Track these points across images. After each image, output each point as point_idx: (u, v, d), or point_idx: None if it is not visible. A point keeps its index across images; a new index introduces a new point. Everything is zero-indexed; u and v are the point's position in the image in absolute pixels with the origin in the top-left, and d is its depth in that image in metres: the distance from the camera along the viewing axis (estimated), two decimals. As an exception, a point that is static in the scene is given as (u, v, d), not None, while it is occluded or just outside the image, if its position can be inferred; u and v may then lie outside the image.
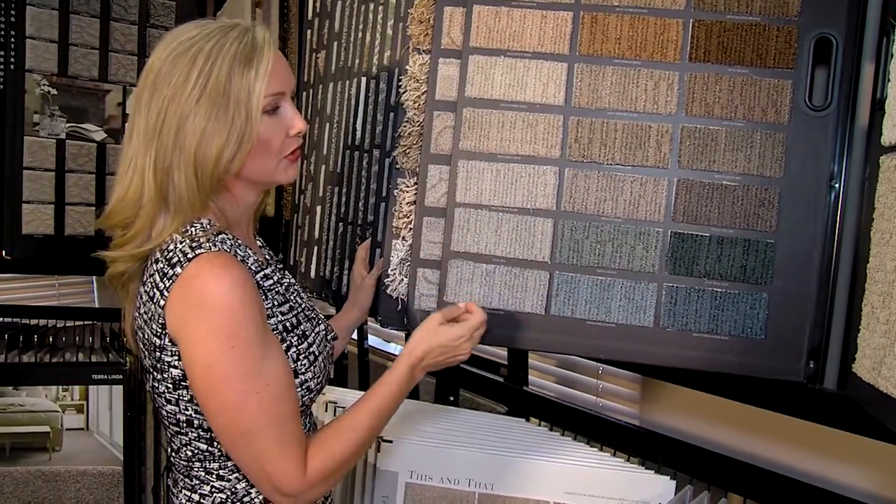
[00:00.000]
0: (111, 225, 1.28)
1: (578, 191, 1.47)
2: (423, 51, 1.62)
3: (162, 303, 1.20)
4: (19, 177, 2.56)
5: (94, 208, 2.68)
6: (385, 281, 1.64)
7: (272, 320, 1.26)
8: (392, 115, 1.73)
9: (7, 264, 2.63)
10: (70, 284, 3.49)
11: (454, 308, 1.45)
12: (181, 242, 1.21)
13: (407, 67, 1.64)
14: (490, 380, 2.20)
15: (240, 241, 1.29)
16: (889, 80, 1.19)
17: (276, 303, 1.29)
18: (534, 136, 1.49)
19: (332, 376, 1.47)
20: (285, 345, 1.27)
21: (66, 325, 2.87)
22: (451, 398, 2.25)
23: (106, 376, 2.52)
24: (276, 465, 1.21)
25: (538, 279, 1.49)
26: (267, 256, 1.48)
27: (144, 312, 1.25)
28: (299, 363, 1.29)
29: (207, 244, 1.21)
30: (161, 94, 1.22)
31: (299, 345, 1.30)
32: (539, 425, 2.00)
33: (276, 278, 1.33)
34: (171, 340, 1.21)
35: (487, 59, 1.52)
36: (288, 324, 1.30)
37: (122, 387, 2.52)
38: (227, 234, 1.26)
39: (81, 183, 2.66)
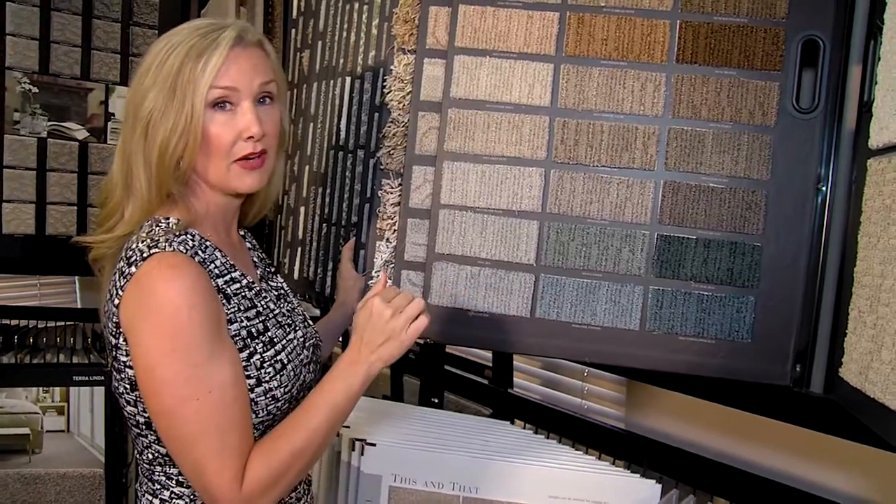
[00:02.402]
0: (101, 201, 1.31)
1: (564, 192, 1.46)
2: (408, 51, 1.60)
3: (116, 301, 1.20)
4: (-1, 175, 2.54)
5: (75, 208, 2.66)
6: (369, 283, 1.62)
7: (234, 325, 1.24)
8: (377, 115, 1.71)
9: (-13, 264, 2.61)
10: (52, 284, 3.46)
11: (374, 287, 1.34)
12: (142, 241, 1.21)
13: (392, 67, 1.63)
14: (475, 382, 2.19)
15: (207, 243, 1.27)
16: (876, 83, 1.18)
17: (240, 307, 1.27)
18: (519, 138, 1.48)
19: (314, 382, 1.43)
20: (248, 351, 1.25)
21: (48, 325, 2.84)
22: (436, 400, 2.24)
23: (87, 377, 2.50)
24: (212, 476, 1.17)
25: (523, 282, 1.47)
26: (255, 259, 1.46)
27: (106, 311, 1.25)
28: (263, 370, 1.26)
29: (164, 244, 1.19)
30: (134, 80, 1.26)
31: (264, 352, 1.27)
32: (524, 428, 1.99)
33: (244, 283, 1.30)
34: (125, 339, 1.20)
35: (473, 59, 1.51)
36: (253, 329, 1.28)
37: (103, 388, 2.49)
38: (191, 234, 1.25)
39: (63, 182, 2.63)
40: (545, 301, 1.47)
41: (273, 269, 1.51)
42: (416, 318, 1.28)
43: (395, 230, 1.58)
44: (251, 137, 1.25)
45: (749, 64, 1.39)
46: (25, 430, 2.49)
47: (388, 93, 1.64)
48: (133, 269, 1.18)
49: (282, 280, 1.50)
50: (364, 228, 1.71)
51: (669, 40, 1.42)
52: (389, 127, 1.63)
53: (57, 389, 2.51)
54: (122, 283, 1.19)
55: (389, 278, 1.56)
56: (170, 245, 1.19)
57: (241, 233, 1.47)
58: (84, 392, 2.52)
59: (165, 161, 1.22)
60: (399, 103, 1.61)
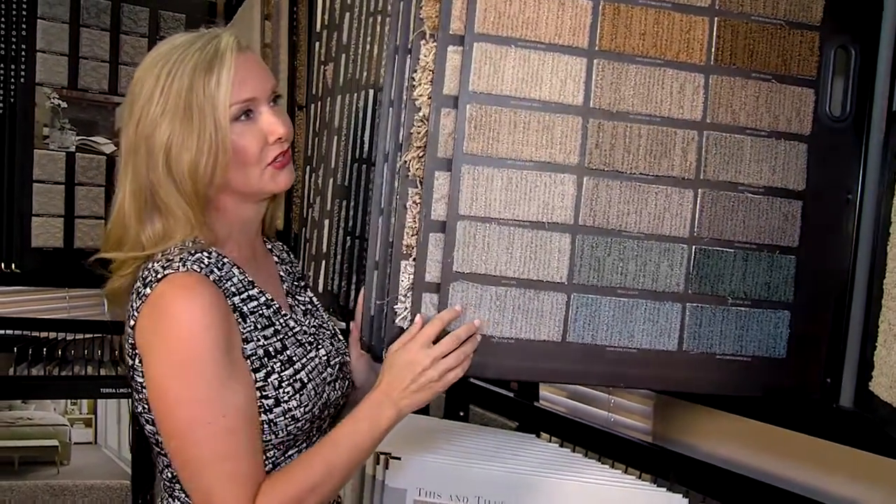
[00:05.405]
0: (110, 247, 1.27)
1: (600, 202, 1.33)
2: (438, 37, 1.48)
3: (132, 323, 1.19)
4: (29, 190, 2.57)
5: (103, 221, 2.68)
6: (394, 308, 1.38)
7: (250, 345, 1.23)
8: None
9: (16, 277, 2.64)
10: (81, 297, 3.49)
11: (410, 329, 1.28)
12: (157, 262, 1.20)
13: (420, 57, 1.39)
14: (500, 395, 2.18)
15: (225, 259, 1.25)
16: (905, 92, 1.17)
17: (257, 326, 1.25)
18: (550, 140, 1.33)
19: (342, 399, 1.41)
20: (265, 370, 1.23)
21: (76, 337, 2.87)
22: (461, 413, 2.23)
23: (114, 390, 2.52)
24: (220, 502, 1.15)
25: (555, 302, 1.34)
26: (282, 273, 1.44)
27: (124, 334, 1.24)
28: (281, 390, 1.24)
29: (178, 264, 1.18)
30: (134, 111, 1.22)
31: (282, 371, 1.25)
32: (550, 441, 1.98)
33: (261, 300, 1.28)
34: (140, 361, 1.19)
35: (496, 48, 1.32)
36: (271, 349, 1.25)
37: (130, 400, 2.51)
38: (206, 253, 1.23)
39: (91, 196, 2.67)
40: (579, 323, 1.34)
41: (303, 284, 1.49)
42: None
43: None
44: (278, 139, 1.25)
45: (786, 69, 1.33)
46: (54, 442, 2.51)
47: (416, 86, 1.40)
48: (148, 290, 1.17)
49: (311, 294, 1.48)
50: (378, 245, 1.47)
51: (708, 39, 1.34)
52: (419, 126, 1.40)
53: (85, 401, 2.53)
54: (138, 305, 1.18)
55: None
56: (183, 265, 1.18)
57: (269, 246, 1.46)
58: (111, 404, 2.54)
59: (198, 182, 1.20)
60: (429, 98, 1.39)
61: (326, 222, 1.98)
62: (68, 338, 2.85)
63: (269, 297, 1.30)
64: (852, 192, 1.32)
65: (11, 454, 2.47)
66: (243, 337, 1.22)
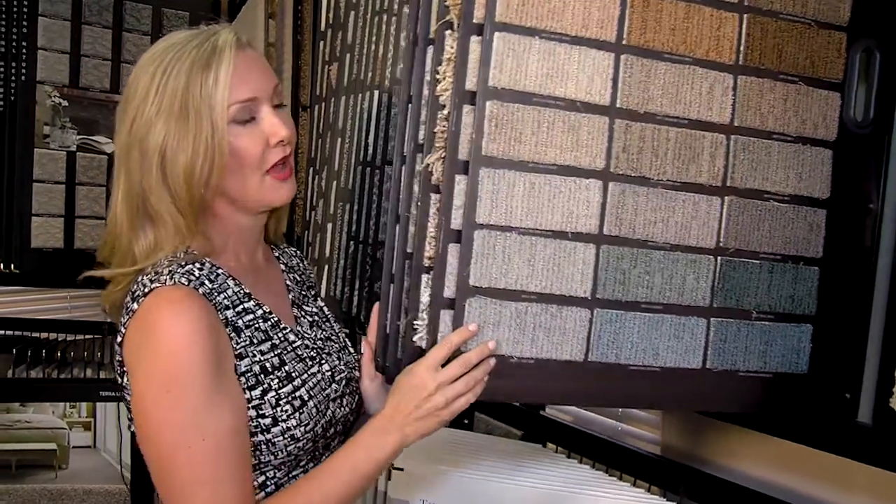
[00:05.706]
0: (107, 255, 1.22)
1: (626, 211, 1.24)
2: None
3: (119, 339, 1.15)
4: (29, 189, 2.55)
5: (104, 221, 2.65)
6: (414, 324, 1.27)
7: (244, 361, 1.16)
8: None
9: (16, 277, 2.62)
10: (82, 297, 3.47)
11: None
12: (147, 275, 1.14)
13: (448, 46, 1.25)
14: (506, 403, 2.15)
15: (220, 271, 1.19)
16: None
17: (253, 340, 1.19)
18: (576, 142, 1.21)
19: (351, 415, 1.34)
20: (261, 388, 1.17)
21: (76, 338, 2.84)
22: (466, 421, 2.20)
23: (114, 393, 2.48)
24: None
25: (579, 319, 1.24)
26: (288, 282, 1.38)
27: (115, 351, 1.20)
28: (279, 408, 1.18)
29: (165, 277, 1.12)
30: (128, 113, 1.17)
31: (280, 388, 1.19)
32: (556, 451, 1.95)
33: (258, 313, 1.22)
34: (128, 379, 1.15)
35: (520, 39, 1.20)
36: (268, 364, 1.19)
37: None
38: (198, 264, 1.17)
39: (91, 196, 2.65)
40: (602, 341, 1.24)
41: (313, 293, 1.44)
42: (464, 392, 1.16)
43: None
44: (280, 142, 1.19)
45: (813, 71, 1.28)
46: (52, 446, 2.49)
47: (441, 81, 1.25)
48: (135, 304, 1.12)
49: (321, 304, 1.43)
50: (394, 258, 1.37)
51: (737, 37, 1.27)
52: (444, 125, 1.25)
53: (84, 404, 2.51)
54: (125, 320, 1.14)
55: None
56: (171, 278, 1.12)
57: (277, 254, 1.41)
58: (111, 408, 2.52)
59: (193, 188, 1.15)
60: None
61: (329, 226, 1.95)
62: (68, 339, 2.83)
63: (267, 310, 1.24)
64: (874, 201, 1.28)
65: (9, 458, 2.45)
66: (237, 353, 1.16)
